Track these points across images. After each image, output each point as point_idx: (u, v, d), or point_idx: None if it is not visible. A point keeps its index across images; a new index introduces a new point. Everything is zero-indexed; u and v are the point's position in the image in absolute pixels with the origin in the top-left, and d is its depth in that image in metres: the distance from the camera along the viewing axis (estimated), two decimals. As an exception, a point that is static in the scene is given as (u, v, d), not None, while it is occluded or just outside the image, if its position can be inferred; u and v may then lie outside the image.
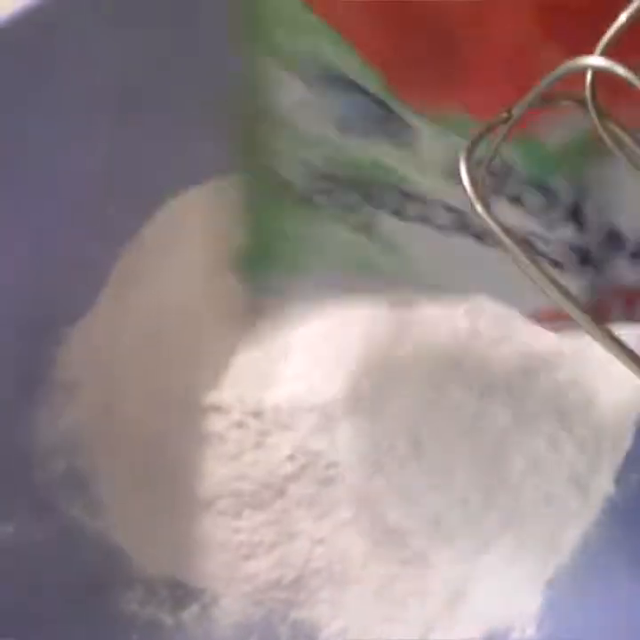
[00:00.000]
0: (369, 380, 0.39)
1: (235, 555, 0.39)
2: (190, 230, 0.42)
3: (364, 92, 0.34)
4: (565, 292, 0.23)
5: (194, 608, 0.39)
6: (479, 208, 0.24)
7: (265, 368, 0.40)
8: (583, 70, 0.24)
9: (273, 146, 0.36)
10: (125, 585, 0.39)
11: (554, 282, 0.23)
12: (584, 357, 0.40)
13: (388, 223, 0.37)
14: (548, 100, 0.26)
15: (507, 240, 0.23)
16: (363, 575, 0.39)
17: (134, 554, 0.39)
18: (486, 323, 0.39)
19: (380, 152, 0.35)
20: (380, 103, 0.34)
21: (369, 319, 0.39)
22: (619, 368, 0.38)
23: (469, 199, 0.24)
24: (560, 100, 0.26)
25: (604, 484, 0.39)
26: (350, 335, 0.39)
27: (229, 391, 0.40)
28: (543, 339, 0.40)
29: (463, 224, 0.36)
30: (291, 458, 0.39)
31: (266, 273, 0.40)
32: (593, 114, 0.25)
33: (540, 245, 0.35)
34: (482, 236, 0.35)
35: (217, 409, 0.39)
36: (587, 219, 0.35)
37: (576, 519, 0.38)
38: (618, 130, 0.25)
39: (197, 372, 0.40)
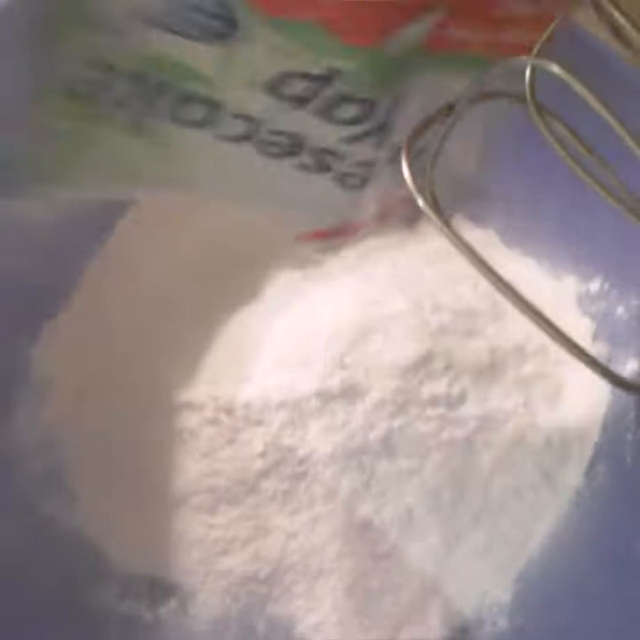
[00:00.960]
0: (339, 376, 0.39)
1: (210, 550, 0.39)
2: (162, 227, 0.43)
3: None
4: (505, 283, 0.23)
5: (171, 603, 0.39)
6: (421, 203, 0.24)
7: (236, 366, 0.40)
8: (521, 68, 0.24)
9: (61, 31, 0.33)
10: (102, 581, 0.39)
11: (502, 280, 0.23)
12: (550, 351, 0.40)
13: (163, 126, 0.34)
14: (489, 96, 0.26)
15: (452, 237, 0.24)
16: (336, 569, 0.39)
17: (110, 550, 0.40)
18: (452, 317, 0.40)
19: (174, 46, 0.32)
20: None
21: (336, 316, 0.40)
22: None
23: (411, 192, 0.25)
24: (500, 97, 0.27)
25: (572, 478, 0.39)
26: (319, 332, 0.39)
27: (202, 388, 0.40)
28: (509, 333, 0.40)
29: (252, 136, 0.34)
30: (263, 454, 0.39)
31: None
32: (532, 111, 0.26)
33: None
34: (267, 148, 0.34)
35: (190, 406, 0.40)
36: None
37: (546, 512, 0.39)
38: (557, 125, 0.26)
39: (170, 369, 0.41)
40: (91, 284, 0.42)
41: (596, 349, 0.40)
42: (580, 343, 0.24)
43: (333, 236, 0.39)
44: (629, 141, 0.24)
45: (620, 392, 0.39)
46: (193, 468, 0.39)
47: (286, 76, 0.30)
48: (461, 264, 0.39)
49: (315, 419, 0.39)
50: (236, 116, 0.32)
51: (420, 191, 0.24)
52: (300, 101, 0.31)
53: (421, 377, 0.39)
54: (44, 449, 0.40)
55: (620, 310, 0.39)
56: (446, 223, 0.24)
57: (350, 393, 0.39)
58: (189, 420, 0.40)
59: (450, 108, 0.27)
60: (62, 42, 0.31)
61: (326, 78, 0.30)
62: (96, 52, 0.31)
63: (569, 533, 0.39)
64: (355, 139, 0.33)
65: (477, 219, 0.43)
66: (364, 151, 0.34)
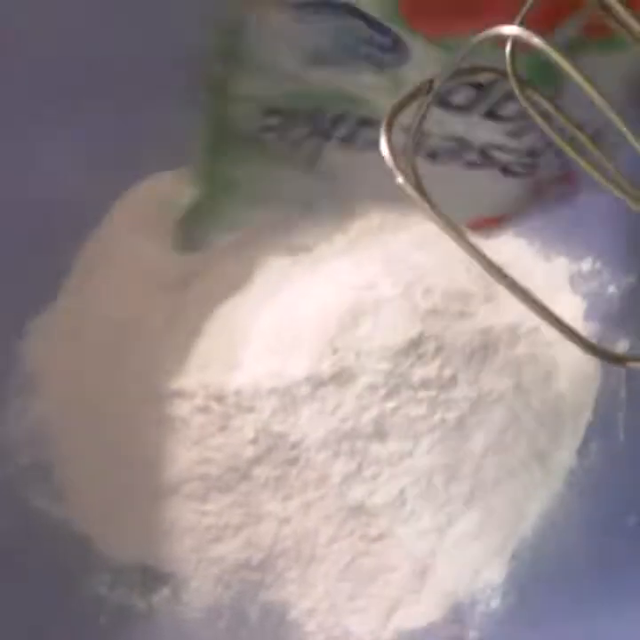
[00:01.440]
0: (330, 361, 0.39)
1: (202, 538, 0.39)
2: (154, 216, 0.42)
3: (354, 17, 0.32)
4: (489, 261, 0.23)
5: (164, 591, 0.39)
6: (400, 180, 0.24)
7: (227, 353, 0.40)
8: (501, 40, 0.24)
9: (231, 85, 0.34)
10: (93, 571, 0.39)
11: (478, 250, 0.23)
12: (543, 332, 0.40)
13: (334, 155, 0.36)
14: (471, 71, 0.26)
15: (434, 216, 0.24)
16: (329, 554, 0.39)
17: (101, 541, 0.40)
18: (444, 300, 0.39)
19: (347, 80, 0.34)
20: (377, 28, 0.32)
21: (326, 300, 0.39)
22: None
23: (391, 169, 0.24)
24: (482, 72, 0.26)
25: (565, 457, 0.39)
26: (309, 317, 0.39)
27: (192, 376, 0.40)
28: (502, 314, 0.40)
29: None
30: (254, 440, 0.39)
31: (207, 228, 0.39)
32: (513, 83, 0.25)
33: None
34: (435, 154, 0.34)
35: (180, 394, 0.40)
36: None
37: (539, 492, 0.39)
38: (538, 98, 0.26)
39: (159, 358, 0.40)
40: (78, 276, 0.42)
41: (588, 328, 0.40)
42: (567, 321, 0.24)
43: (500, 221, 0.39)
44: (611, 114, 0.23)
45: (611, 371, 0.39)
46: (184, 456, 0.39)
47: (453, 89, 0.30)
48: (453, 247, 0.40)
49: (306, 404, 0.39)
50: None
51: (401, 169, 0.24)
52: (467, 107, 0.32)
53: (412, 360, 0.39)
54: (34, 442, 0.40)
55: (612, 289, 0.39)
56: (430, 203, 0.24)
57: (341, 377, 0.39)
58: (180, 408, 0.39)
59: (430, 84, 0.26)
60: (238, 93, 0.32)
61: (491, 83, 0.30)
62: (272, 99, 0.33)
63: (562, 513, 0.39)
64: (520, 131, 0.33)
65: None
66: (529, 141, 0.34)
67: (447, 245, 0.40)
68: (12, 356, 0.41)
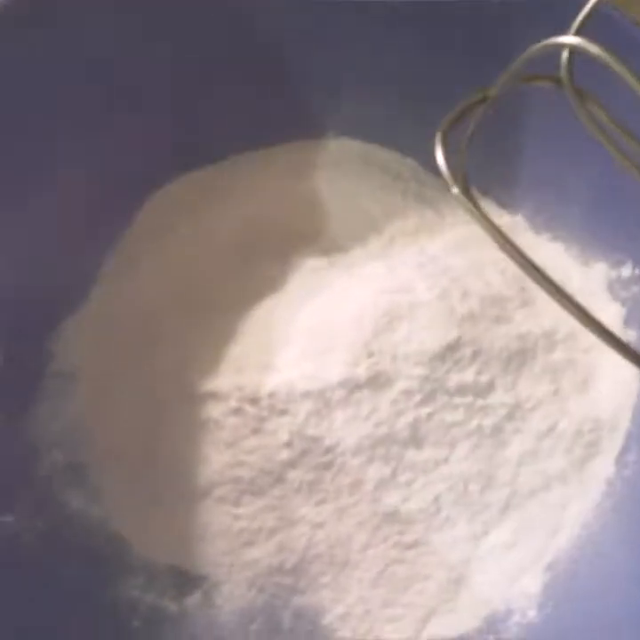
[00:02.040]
0: (365, 365, 0.38)
1: (235, 541, 0.39)
2: (182, 218, 0.42)
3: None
4: (546, 276, 0.22)
5: (196, 595, 0.39)
6: (455, 190, 0.24)
7: (261, 355, 0.40)
8: (558, 49, 0.23)
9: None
10: (127, 572, 0.39)
11: (533, 265, 0.23)
12: (580, 338, 0.39)
13: None
14: (525, 80, 0.26)
15: (485, 223, 0.23)
16: (363, 560, 0.39)
17: (135, 541, 0.40)
18: (482, 305, 0.39)
19: None
20: None
21: (362, 304, 0.39)
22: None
23: (446, 179, 0.24)
24: (537, 80, 0.26)
25: (603, 467, 0.38)
26: (344, 321, 0.39)
27: (227, 378, 0.40)
28: (539, 320, 0.39)
29: None
30: (288, 444, 0.39)
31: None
32: (570, 93, 0.25)
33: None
34: None
35: (214, 396, 0.39)
36: None
37: (575, 502, 0.38)
38: (596, 109, 0.25)
39: (193, 359, 0.40)
40: (110, 275, 0.42)
41: (627, 335, 0.39)
42: (610, 328, 0.24)
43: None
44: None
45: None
46: (217, 459, 0.39)
47: None
48: (489, 251, 0.39)
49: (341, 408, 0.38)
50: None
51: (454, 179, 0.23)
52: None
53: (449, 365, 0.38)
54: (68, 442, 0.40)
55: (651, 296, 0.38)
56: (479, 210, 0.23)
57: (376, 382, 0.38)
58: (214, 410, 0.39)
59: (485, 95, 0.26)
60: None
61: None
62: None
63: (599, 523, 0.38)
64: None
65: (506, 204, 0.42)
66: None
67: (482, 249, 0.40)
68: (45, 356, 0.41)
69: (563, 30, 0.24)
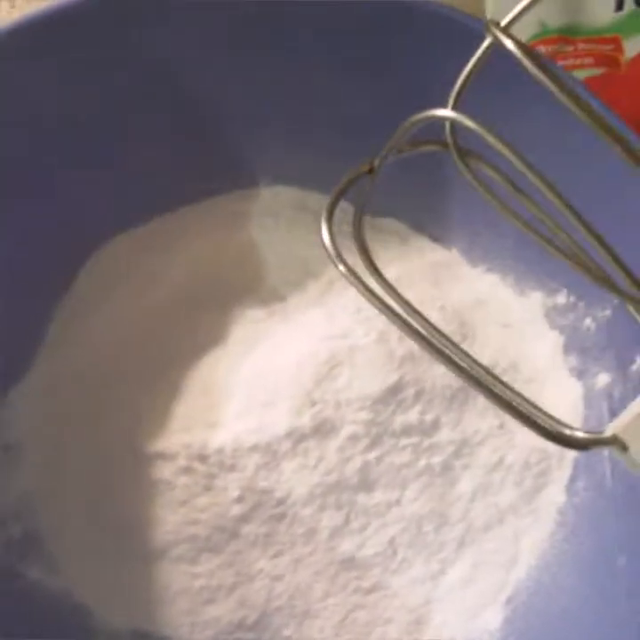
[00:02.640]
0: (309, 414, 0.38)
1: (195, 600, 0.39)
2: (122, 278, 0.42)
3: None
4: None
5: (161, 657, 0.39)
6: (341, 268, 0.24)
7: (207, 412, 0.40)
8: (439, 121, 0.24)
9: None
10: (90, 639, 0.39)
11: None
12: (522, 369, 0.39)
13: None
14: (413, 145, 0.26)
15: (369, 298, 0.23)
16: (324, 608, 0.39)
17: (95, 608, 0.39)
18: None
19: None
20: None
21: (302, 353, 0.39)
22: (559, 374, 0.38)
23: (331, 258, 0.24)
24: (423, 146, 0.26)
25: (554, 496, 0.39)
26: (285, 371, 0.39)
27: (174, 437, 0.40)
28: (478, 354, 0.39)
29: None
30: (240, 499, 0.39)
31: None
32: (455, 157, 0.25)
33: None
34: None
35: (163, 456, 0.39)
36: None
37: (529, 533, 0.39)
38: (483, 166, 0.25)
39: (140, 420, 0.40)
40: (53, 341, 0.42)
41: (568, 362, 0.39)
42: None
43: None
44: (543, 188, 0.23)
45: (594, 405, 0.38)
46: (171, 519, 0.39)
47: None
48: (424, 289, 0.39)
49: (288, 459, 0.39)
50: None
51: (340, 258, 0.24)
52: None
53: (393, 407, 0.38)
54: (22, 513, 0.40)
55: (588, 322, 0.38)
56: (365, 286, 0.24)
57: (322, 430, 0.38)
58: (164, 470, 0.39)
59: (371, 165, 0.26)
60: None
61: None
62: None
63: (554, 553, 0.38)
64: None
65: (439, 239, 0.42)
66: None
67: (419, 289, 0.40)
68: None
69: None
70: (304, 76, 0.39)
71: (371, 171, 0.26)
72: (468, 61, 0.25)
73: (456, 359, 0.23)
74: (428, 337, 0.23)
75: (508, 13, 0.46)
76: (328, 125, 0.41)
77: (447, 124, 0.25)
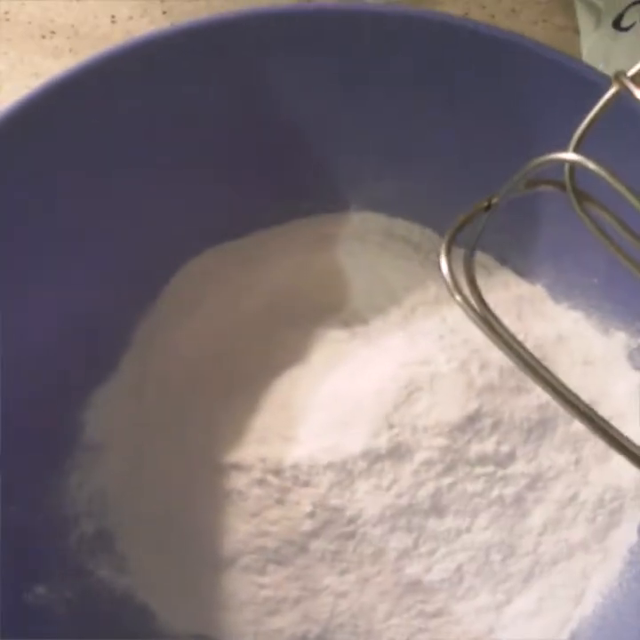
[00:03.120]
0: (386, 436, 0.39)
1: (260, 610, 0.40)
2: (209, 290, 0.43)
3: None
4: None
5: (222, 664, 0.39)
6: (458, 298, 0.25)
7: (284, 427, 0.40)
8: (559, 163, 0.24)
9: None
10: (154, 641, 0.39)
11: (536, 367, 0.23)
12: (601, 407, 0.39)
13: None
14: (530, 186, 0.26)
15: (485, 329, 0.24)
16: (387, 629, 0.39)
17: (160, 611, 0.40)
18: (501, 376, 0.39)
19: None
20: None
21: (382, 376, 0.40)
22: (637, 416, 0.38)
23: (448, 289, 0.25)
24: (542, 186, 0.27)
25: (626, 535, 0.38)
26: (365, 393, 0.39)
27: (250, 449, 0.40)
28: (559, 391, 0.40)
29: None
30: (311, 514, 0.39)
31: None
32: (572, 199, 0.26)
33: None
34: None
35: (238, 467, 0.40)
36: None
37: (598, 571, 0.38)
38: (599, 212, 0.26)
39: (219, 431, 0.41)
40: (139, 346, 0.43)
41: (648, 405, 0.40)
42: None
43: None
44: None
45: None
46: (242, 529, 0.40)
47: None
48: (507, 322, 0.40)
49: (363, 479, 0.39)
50: None
51: (458, 289, 0.24)
52: None
53: (469, 435, 0.39)
54: (96, 511, 0.41)
55: (671, 365, 0.38)
56: (482, 318, 0.24)
57: (397, 453, 0.39)
58: (238, 481, 0.40)
59: (489, 202, 0.27)
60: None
61: None
62: None
63: (622, 592, 0.38)
64: None
65: (524, 273, 0.43)
66: None
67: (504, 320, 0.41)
68: (76, 426, 0.42)
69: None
70: (405, 108, 0.40)
71: (488, 208, 0.27)
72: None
73: (561, 389, 0.23)
74: (537, 367, 0.24)
75: (597, 54, 0.47)
76: (422, 157, 0.41)
77: (567, 167, 0.25)
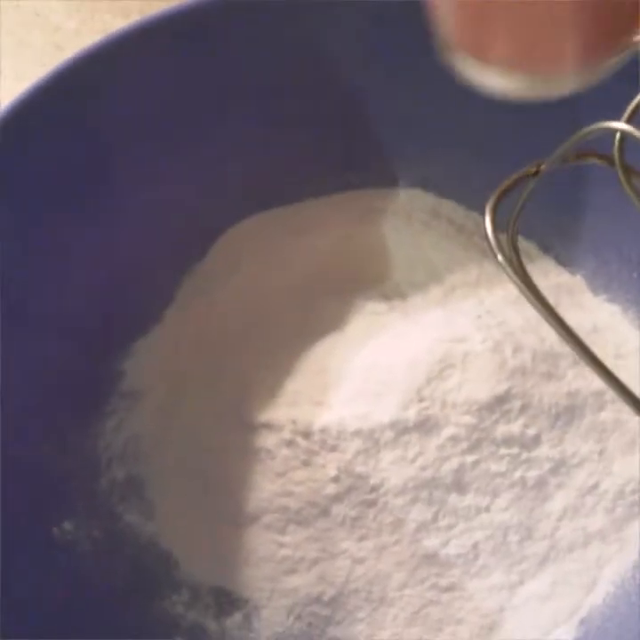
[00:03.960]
0: (415, 409, 0.39)
1: (278, 568, 0.40)
2: (253, 254, 0.44)
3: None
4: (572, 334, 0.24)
5: (236, 616, 0.40)
6: (500, 258, 0.25)
7: (316, 392, 0.41)
8: (611, 132, 0.25)
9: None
10: (172, 588, 0.41)
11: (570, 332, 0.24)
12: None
13: None
14: (579, 156, 0.27)
15: (526, 292, 0.24)
16: (400, 598, 0.40)
17: (183, 559, 0.41)
18: (534, 360, 0.40)
19: None
20: None
21: (417, 350, 0.40)
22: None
23: (490, 249, 0.26)
24: (589, 158, 0.27)
25: (643, 528, 0.39)
26: (399, 365, 0.40)
27: (282, 410, 0.41)
28: (590, 379, 0.40)
29: None
30: (336, 479, 0.40)
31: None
32: (620, 172, 0.26)
33: None
34: None
35: (268, 427, 0.41)
36: None
37: (613, 561, 0.39)
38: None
39: (252, 390, 0.42)
40: (182, 302, 0.44)
41: (678, 402, 0.40)
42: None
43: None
44: None
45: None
46: (267, 488, 0.40)
47: None
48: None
49: (388, 449, 0.40)
50: None
51: (500, 248, 0.25)
52: None
53: (497, 416, 0.39)
54: (129, 457, 0.42)
55: None
56: (526, 282, 0.25)
57: (425, 426, 0.39)
58: (268, 440, 0.41)
59: (538, 168, 0.27)
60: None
61: None
62: None
63: (635, 582, 0.38)
64: None
65: (566, 263, 0.43)
66: None
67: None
68: (116, 373, 0.43)
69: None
70: (459, 92, 0.40)
71: (536, 173, 0.27)
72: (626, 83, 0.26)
73: (600, 360, 0.24)
74: (576, 335, 0.24)
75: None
76: (471, 140, 0.42)
77: (617, 137, 0.26)
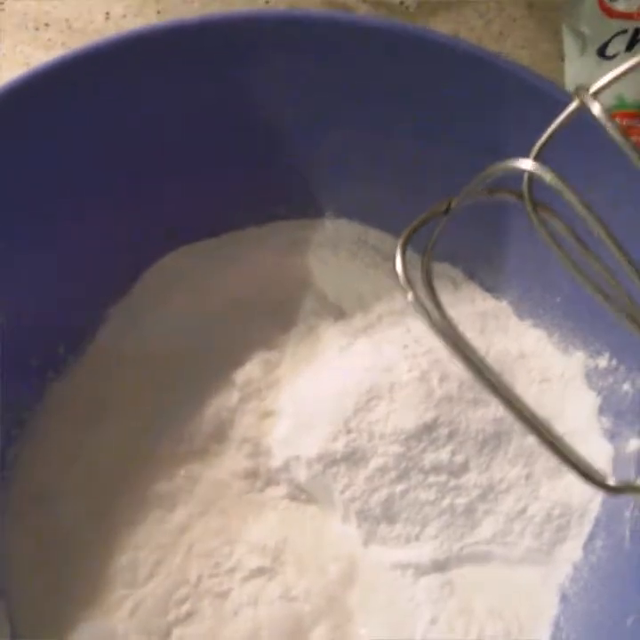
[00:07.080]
0: (343, 441, 0.39)
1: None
2: (178, 288, 0.44)
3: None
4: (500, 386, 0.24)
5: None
6: (410, 297, 0.25)
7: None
8: (518, 172, 0.25)
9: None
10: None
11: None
12: (555, 424, 0.40)
13: None
14: (491, 191, 0.27)
15: (436, 329, 0.25)
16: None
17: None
18: (460, 388, 0.40)
19: None
20: None
21: (346, 381, 0.40)
22: (592, 434, 0.39)
23: (402, 285, 0.26)
24: (499, 194, 0.27)
25: (571, 552, 0.39)
26: (328, 397, 0.40)
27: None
28: (516, 405, 0.40)
29: None
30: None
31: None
32: (529, 211, 0.27)
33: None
34: None
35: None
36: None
37: (542, 587, 0.39)
38: (553, 220, 0.27)
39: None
40: (108, 338, 0.43)
41: (601, 423, 0.40)
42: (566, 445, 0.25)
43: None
44: (615, 251, 0.24)
45: (622, 466, 0.39)
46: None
47: None
48: (470, 337, 0.40)
49: (317, 481, 0.40)
50: None
51: (411, 286, 0.25)
52: None
53: (425, 444, 0.40)
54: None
55: (627, 387, 0.39)
56: (438, 319, 0.25)
57: (353, 457, 0.40)
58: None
59: (448, 205, 0.27)
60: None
61: None
62: None
63: (567, 608, 0.39)
64: None
65: (492, 289, 0.44)
66: None
67: (465, 333, 0.41)
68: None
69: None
70: (384, 121, 0.40)
71: (447, 211, 0.28)
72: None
73: (510, 397, 0.24)
74: (485, 373, 0.24)
75: (581, 80, 0.48)
76: (397, 170, 0.42)
77: (526, 176, 0.26)
